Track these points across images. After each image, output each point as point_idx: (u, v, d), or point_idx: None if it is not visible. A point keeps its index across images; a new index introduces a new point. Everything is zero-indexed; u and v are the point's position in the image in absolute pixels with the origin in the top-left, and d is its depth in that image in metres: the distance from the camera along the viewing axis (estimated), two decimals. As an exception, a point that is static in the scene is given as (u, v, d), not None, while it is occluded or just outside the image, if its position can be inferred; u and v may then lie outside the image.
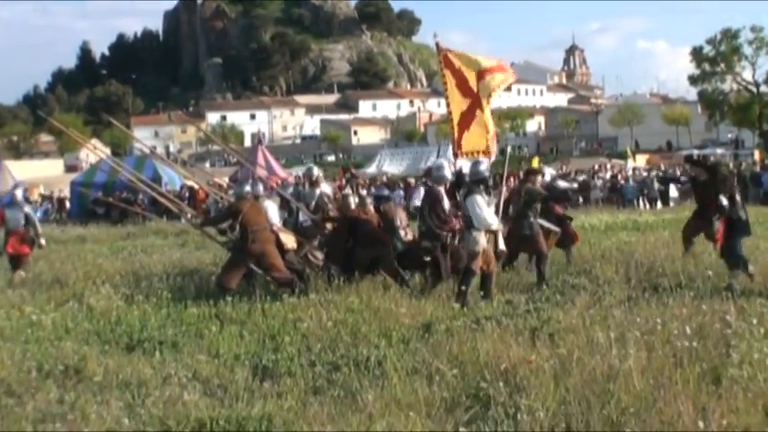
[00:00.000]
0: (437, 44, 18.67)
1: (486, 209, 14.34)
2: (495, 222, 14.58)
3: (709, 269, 14.90)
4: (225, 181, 35.52)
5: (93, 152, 33.47)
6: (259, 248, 15.52)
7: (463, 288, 14.29)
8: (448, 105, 18.37)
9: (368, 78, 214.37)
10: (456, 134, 18.08)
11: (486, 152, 17.67)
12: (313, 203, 18.54)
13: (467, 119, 18.01)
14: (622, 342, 9.74)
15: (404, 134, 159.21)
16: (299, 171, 55.76)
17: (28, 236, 21.09)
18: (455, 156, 18.37)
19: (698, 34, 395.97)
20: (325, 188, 19.20)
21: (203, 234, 19.35)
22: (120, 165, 29.76)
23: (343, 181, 48.18)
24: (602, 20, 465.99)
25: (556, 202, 18.77)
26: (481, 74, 17.82)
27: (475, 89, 17.75)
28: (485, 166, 15.15)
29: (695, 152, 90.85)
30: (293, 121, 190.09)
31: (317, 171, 19.88)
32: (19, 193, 22.24)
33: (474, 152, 17.85)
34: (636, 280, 14.91)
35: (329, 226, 17.69)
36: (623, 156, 74.54)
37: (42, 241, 21.72)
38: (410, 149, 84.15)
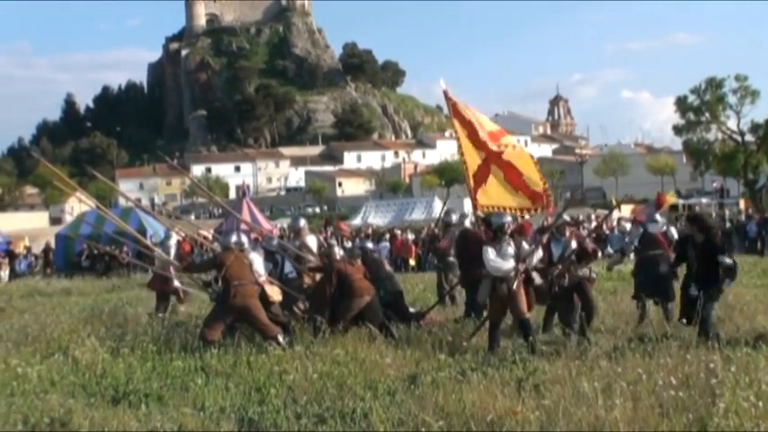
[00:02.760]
0: (445, 92, 18.56)
1: (493, 258, 14.29)
2: (505, 266, 14.30)
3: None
4: (210, 233, 35.49)
5: (84, 201, 33.49)
6: (241, 303, 15.39)
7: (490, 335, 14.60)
8: (462, 155, 18.24)
9: (352, 130, 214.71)
10: (472, 186, 18.02)
11: (516, 208, 17.71)
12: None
13: (482, 173, 17.93)
14: (608, 393, 9.75)
15: (389, 185, 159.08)
16: (284, 223, 55.62)
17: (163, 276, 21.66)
18: (474, 208, 18.34)
19: (681, 85, 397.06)
20: (310, 240, 19.06)
21: (189, 287, 19.32)
22: (107, 213, 29.68)
23: (328, 233, 48.15)
24: (585, 71, 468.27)
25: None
26: (493, 135, 17.90)
27: (489, 146, 17.73)
28: (507, 217, 15.15)
29: (680, 202, 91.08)
30: (278, 172, 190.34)
31: (303, 222, 19.79)
32: (172, 235, 22.66)
33: (496, 207, 17.72)
34: (621, 330, 14.91)
35: (309, 278, 17.73)
36: (609, 206, 74.63)
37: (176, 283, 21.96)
38: (395, 201, 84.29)
